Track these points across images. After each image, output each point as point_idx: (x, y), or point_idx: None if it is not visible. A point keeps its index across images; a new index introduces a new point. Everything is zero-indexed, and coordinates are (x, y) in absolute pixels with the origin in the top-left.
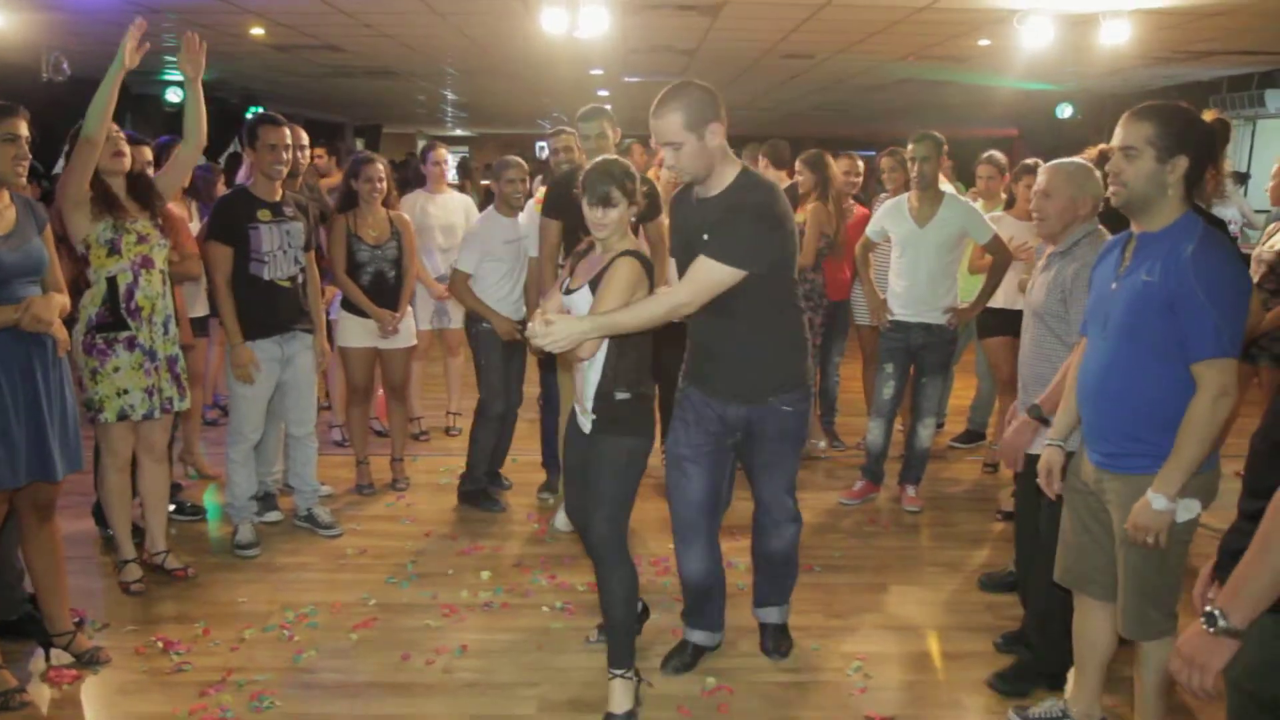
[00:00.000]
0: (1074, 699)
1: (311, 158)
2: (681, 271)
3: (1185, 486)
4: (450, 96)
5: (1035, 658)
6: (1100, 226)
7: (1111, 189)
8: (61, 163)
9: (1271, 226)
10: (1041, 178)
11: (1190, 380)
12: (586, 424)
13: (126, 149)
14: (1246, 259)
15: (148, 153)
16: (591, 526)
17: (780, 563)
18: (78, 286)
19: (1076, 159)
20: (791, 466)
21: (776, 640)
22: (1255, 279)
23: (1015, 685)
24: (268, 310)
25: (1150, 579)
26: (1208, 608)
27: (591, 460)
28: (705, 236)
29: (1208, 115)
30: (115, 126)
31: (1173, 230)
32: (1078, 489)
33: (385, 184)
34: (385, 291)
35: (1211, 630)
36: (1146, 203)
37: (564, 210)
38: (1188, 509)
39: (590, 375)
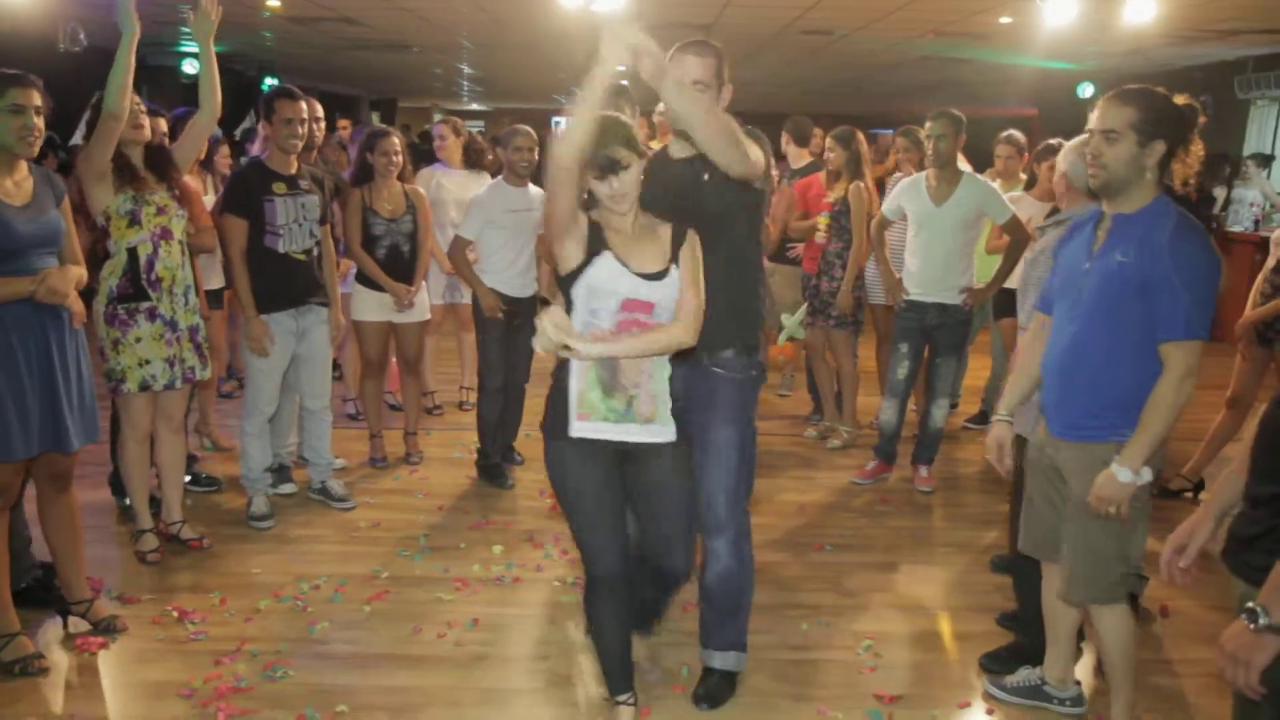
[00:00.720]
0: (1049, 666)
1: (334, 128)
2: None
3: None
4: (466, 70)
5: (1029, 641)
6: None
7: (1090, 171)
8: (80, 133)
9: None
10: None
11: (1157, 360)
12: (668, 431)
13: (146, 120)
14: (1265, 242)
15: (163, 124)
16: (680, 551)
17: (716, 601)
18: (95, 256)
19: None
20: (722, 471)
21: (709, 688)
22: (1274, 263)
23: (1006, 666)
24: (283, 283)
25: (1107, 545)
26: (1249, 604)
27: (672, 475)
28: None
29: (1179, 99)
30: (136, 97)
31: (1148, 213)
32: (1042, 463)
33: (401, 157)
34: (400, 265)
35: (1254, 627)
36: (1124, 185)
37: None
38: (1141, 476)
39: (661, 372)
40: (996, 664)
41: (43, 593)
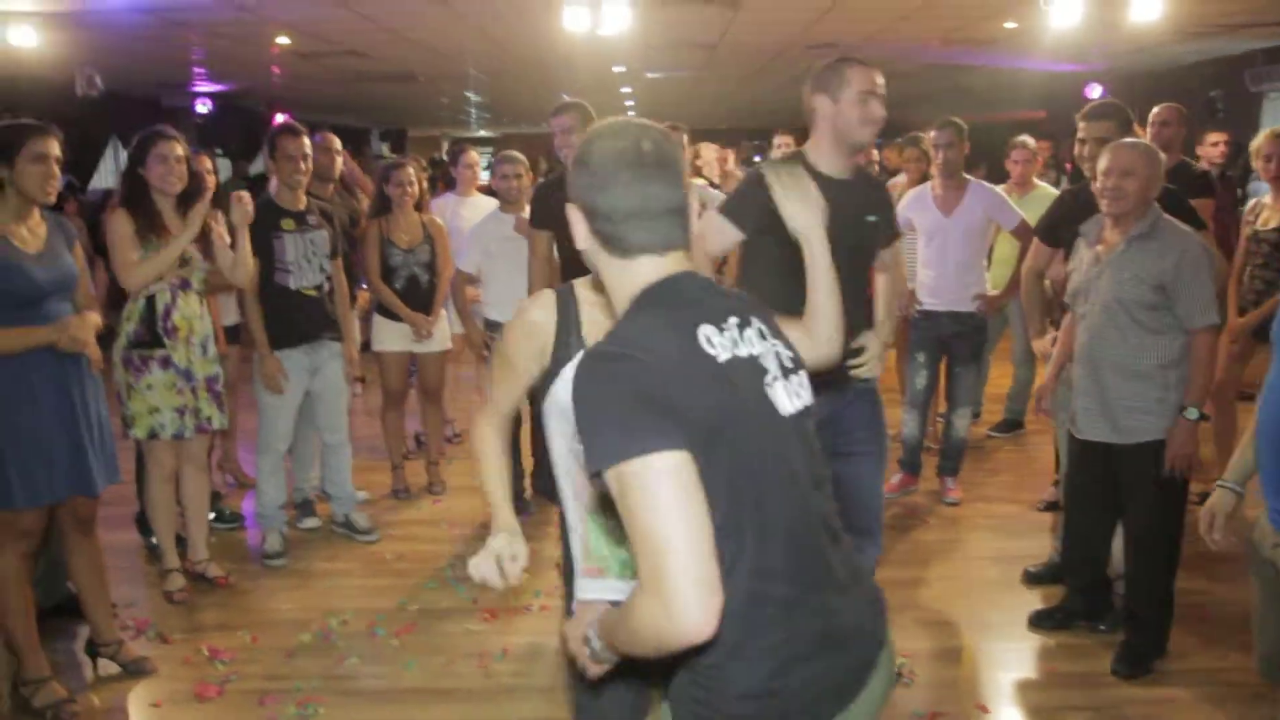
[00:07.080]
0: None
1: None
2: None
3: None
4: (473, 98)
5: (1080, 599)
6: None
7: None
8: (100, 176)
9: (1252, 204)
10: (1120, 156)
11: None
12: None
13: (183, 171)
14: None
15: (207, 162)
16: None
17: None
18: (116, 298)
19: (1141, 140)
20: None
21: None
22: (1260, 259)
23: (1060, 623)
24: (294, 319)
25: None
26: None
27: None
28: (872, 218)
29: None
30: (181, 142)
31: None
32: (1263, 559)
33: (416, 187)
34: (419, 295)
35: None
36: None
37: (555, 219)
38: None
39: None
40: (1049, 622)
41: (73, 605)
